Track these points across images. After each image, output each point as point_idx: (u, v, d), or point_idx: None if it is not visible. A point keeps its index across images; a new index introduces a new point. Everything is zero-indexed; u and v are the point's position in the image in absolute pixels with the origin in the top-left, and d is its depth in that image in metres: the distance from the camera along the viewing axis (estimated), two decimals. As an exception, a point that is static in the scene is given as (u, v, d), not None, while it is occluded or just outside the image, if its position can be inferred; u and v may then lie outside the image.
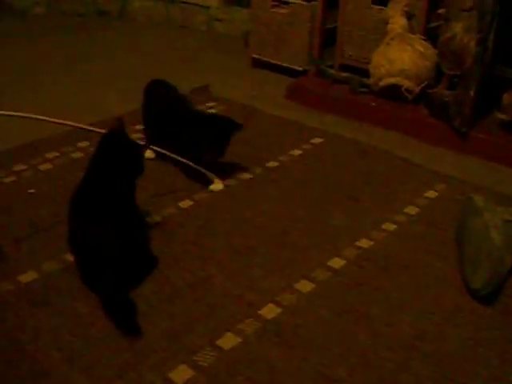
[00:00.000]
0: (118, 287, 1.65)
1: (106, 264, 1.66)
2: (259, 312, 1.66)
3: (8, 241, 1.93)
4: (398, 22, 2.91)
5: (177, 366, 1.48)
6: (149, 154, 2.36)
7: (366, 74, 3.01)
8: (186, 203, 2.18)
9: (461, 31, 2.65)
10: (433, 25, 3.00)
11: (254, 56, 3.57)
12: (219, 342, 1.55)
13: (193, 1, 4.34)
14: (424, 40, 2.89)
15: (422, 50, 2.84)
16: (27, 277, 1.77)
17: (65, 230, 1.94)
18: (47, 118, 1.99)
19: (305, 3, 3.27)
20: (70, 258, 1.83)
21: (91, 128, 2.14)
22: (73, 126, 2.09)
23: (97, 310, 1.64)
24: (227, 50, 3.89)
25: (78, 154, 2.49)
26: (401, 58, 2.83)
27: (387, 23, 2.95)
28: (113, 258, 1.67)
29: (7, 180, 2.30)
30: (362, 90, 3.01)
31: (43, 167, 2.39)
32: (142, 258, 1.78)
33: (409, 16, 2.94)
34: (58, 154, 2.49)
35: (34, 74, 3.42)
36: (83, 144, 2.56)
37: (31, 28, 4.33)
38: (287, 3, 3.34)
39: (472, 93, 2.56)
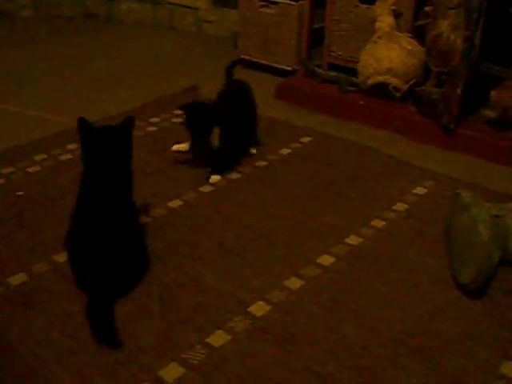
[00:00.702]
0: (107, 293, 1.64)
1: (100, 267, 1.66)
2: (249, 309, 1.66)
3: (-3, 244, 1.92)
4: (385, 21, 2.92)
5: (167, 365, 1.48)
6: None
7: (354, 73, 3.03)
8: (175, 203, 2.18)
9: (448, 29, 2.66)
10: (420, 23, 3.01)
11: (244, 57, 3.57)
12: (209, 340, 1.55)
13: (181, 2, 4.34)
14: (411, 38, 2.90)
15: (409, 47, 2.85)
16: (17, 279, 1.76)
17: (53, 231, 1.96)
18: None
19: (292, 3, 3.28)
20: (59, 259, 1.83)
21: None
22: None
23: (86, 310, 1.64)
24: (216, 51, 3.89)
25: (66, 156, 2.49)
26: (388, 56, 2.84)
27: (375, 22, 2.96)
28: (108, 261, 1.66)
29: (-4, 182, 2.29)
30: (351, 88, 3.02)
31: (32, 169, 2.39)
32: (137, 262, 1.78)
33: (396, 14, 2.95)
34: (46, 157, 2.48)
35: (20, 76, 3.41)
36: (72, 146, 2.54)
37: (18, 31, 4.32)
38: (275, 3, 3.35)
39: (459, 90, 2.58)
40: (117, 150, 1.76)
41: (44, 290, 1.73)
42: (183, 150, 2.43)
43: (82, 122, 1.74)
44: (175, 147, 2.45)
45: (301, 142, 2.67)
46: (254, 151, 2.55)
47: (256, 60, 3.52)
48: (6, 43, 4.01)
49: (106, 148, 1.74)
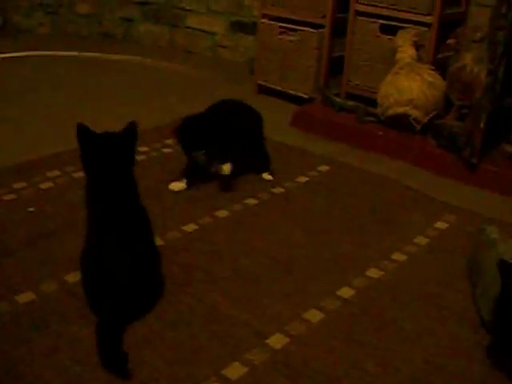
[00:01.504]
0: (118, 319, 1.57)
1: (113, 291, 1.59)
2: (267, 341, 1.59)
3: (6, 260, 1.86)
4: (406, 52, 2.89)
5: (181, 396, 1.41)
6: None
7: (372, 103, 2.99)
8: (190, 227, 2.12)
9: (471, 62, 2.64)
10: (441, 55, 2.98)
11: (260, 82, 3.55)
12: (225, 372, 1.48)
13: (199, 26, 4.34)
14: (433, 70, 2.87)
15: (430, 79, 2.81)
16: (25, 297, 1.70)
17: (64, 249, 1.90)
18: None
19: (312, 30, 3.26)
20: (70, 278, 1.76)
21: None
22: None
23: (97, 335, 1.57)
24: (232, 77, 3.87)
25: (79, 174, 2.42)
26: (410, 87, 2.80)
27: (396, 53, 2.93)
28: (121, 285, 1.60)
29: (7, 198, 2.23)
30: (369, 118, 2.98)
31: (44, 186, 2.33)
32: (152, 287, 1.71)
33: (418, 46, 2.93)
34: (59, 173, 2.43)
35: (33, 91, 3.39)
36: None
37: (34, 47, 4.31)
38: (294, 30, 3.33)
39: (482, 124, 2.53)
40: (121, 157, 1.69)
41: (53, 310, 1.66)
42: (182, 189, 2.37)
43: (82, 129, 1.65)
44: (174, 187, 2.37)
45: (318, 171, 2.62)
46: (268, 177, 2.49)
47: (272, 86, 3.49)
48: (23, 59, 4.00)
49: (110, 155, 1.66)
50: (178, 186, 2.36)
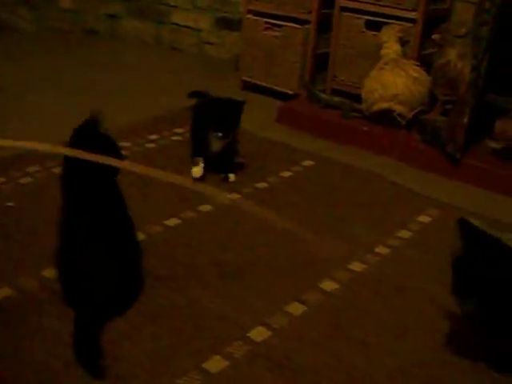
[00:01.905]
0: (94, 316, 1.54)
1: (89, 289, 1.57)
2: (248, 335, 1.57)
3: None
4: (391, 47, 2.89)
5: (160, 391, 1.39)
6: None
7: (357, 98, 2.98)
8: (172, 221, 2.10)
9: (455, 57, 2.64)
10: (426, 51, 2.98)
11: (244, 78, 3.53)
12: (206, 365, 1.46)
13: (184, 23, 4.32)
14: (417, 66, 2.87)
15: (415, 75, 2.81)
16: (1, 293, 1.66)
17: (43, 245, 1.87)
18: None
19: (297, 26, 3.25)
20: (48, 274, 1.73)
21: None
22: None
23: (76, 329, 1.55)
24: (217, 73, 3.85)
25: (59, 169, 2.40)
26: (394, 83, 2.80)
27: (381, 48, 2.93)
28: (98, 282, 1.57)
29: (-14, 192, 2.21)
30: (354, 114, 2.97)
31: (23, 181, 2.30)
32: (131, 282, 1.68)
33: (403, 42, 2.93)
34: (39, 169, 2.40)
35: (20, 89, 3.35)
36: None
37: (17, 44, 4.27)
38: (280, 26, 3.32)
39: (466, 119, 2.53)
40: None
41: (30, 306, 1.63)
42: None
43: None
44: (195, 173, 2.37)
45: (302, 166, 2.61)
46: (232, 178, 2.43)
47: (258, 82, 3.47)
48: (4, 56, 3.95)
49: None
50: (197, 171, 2.36)
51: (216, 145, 2.33)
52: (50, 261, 1.69)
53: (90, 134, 1.69)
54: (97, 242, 1.59)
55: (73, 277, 1.60)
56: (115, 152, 1.71)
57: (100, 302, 1.56)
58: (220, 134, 2.29)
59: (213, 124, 2.30)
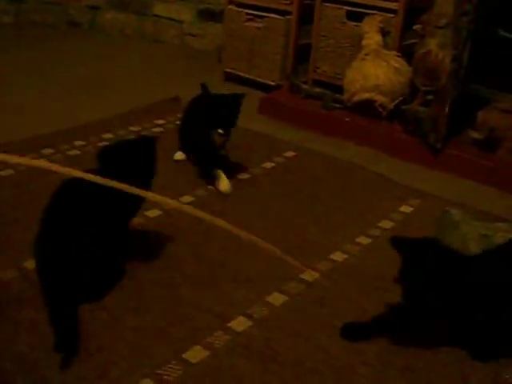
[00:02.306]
0: (68, 302, 1.55)
1: (62, 273, 1.57)
2: (229, 325, 1.58)
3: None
4: (373, 38, 2.89)
5: (140, 381, 1.38)
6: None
7: (339, 89, 2.98)
8: (153, 212, 2.09)
9: (436, 48, 2.64)
10: (407, 42, 2.99)
11: (227, 70, 3.52)
12: (186, 355, 1.46)
13: (166, 15, 4.29)
14: (399, 56, 2.87)
15: (396, 66, 2.82)
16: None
17: (24, 236, 1.85)
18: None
19: (279, 17, 3.24)
20: (29, 265, 1.72)
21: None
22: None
23: (55, 321, 1.54)
24: (199, 65, 3.84)
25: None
26: (375, 73, 2.81)
27: (362, 39, 2.93)
28: (78, 271, 1.58)
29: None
30: (335, 105, 2.97)
31: (4, 173, 2.28)
32: (110, 271, 1.68)
33: (384, 33, 2.93)
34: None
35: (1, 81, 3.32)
36: (47, 151, 2.46)
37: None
38: (261, 17, 3.31)
39: (446, 109, 2.54)
40: None
41: (11, 297, 1.62)
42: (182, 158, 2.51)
43: None
44: (177, 156, 2.50)
45: (285, 157, 2.61)
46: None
47: (240, 74, 3.46)
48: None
49: None
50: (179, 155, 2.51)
51: (217, 141, 2.27)
52: (31, 252, 1.67)
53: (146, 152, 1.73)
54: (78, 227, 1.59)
55: (44, 263, 1.60)
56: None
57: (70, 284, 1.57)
58: (221, 131, 2.23)
59: (214, 120, 2.23)
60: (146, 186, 1.68)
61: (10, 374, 1.38)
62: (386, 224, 2.13)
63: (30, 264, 1.72)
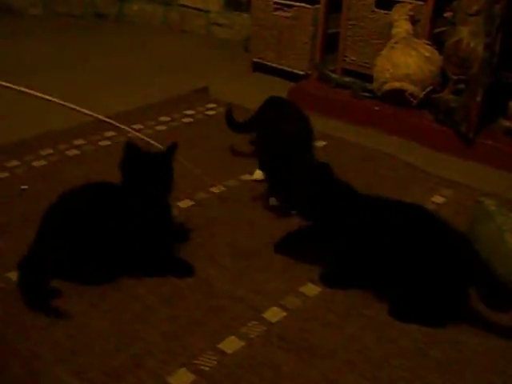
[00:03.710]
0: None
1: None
2: (263, 315, 1.58)
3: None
4: (402, 26, 2.85)
5: (176, 370, 1.39)
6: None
7: (368, 79, 2.96)
8: (185, 203, 2.10)
9: (468, 35, 2.60)
10: (437, 30, 2.95)
11: (255, 60, 3.51)
12: (221, 346, 1.47)
13: (193, 5, 4.29)
14: (429, 45, 2.83)
15: (427, 54, 2.78)
16: (16, 274, 1.68)
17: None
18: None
19: (307, 6, 3.22)
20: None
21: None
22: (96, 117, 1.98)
23: (91, 310, 1.56)
24: (227, 55, 3.83)
25: (72, 152, 2.41)
26: (406, 62, 2.77)
27: (391, 27, 2.89)
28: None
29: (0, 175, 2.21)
30: (365, 94, 2.95)
31: (37, 164, 2.31)
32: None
33: (414, 21, 2.89)
34: (52, 152, 2.41)
35: (32, 73, 3.34)
36: (79, 142, 2.48)
37: (26, 28, 4.26)
38: (290, 6, 3.29)
39: (479, 98, 2.51)
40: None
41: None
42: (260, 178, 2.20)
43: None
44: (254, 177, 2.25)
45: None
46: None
47: (268, 63, 3.45)
48: (16, 39, 3.95)
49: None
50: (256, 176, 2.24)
51: None
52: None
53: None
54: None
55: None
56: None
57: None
58: None
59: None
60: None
61: (48, 361, 1.40)
62: (419, 214, 2.10)
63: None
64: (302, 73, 3.30)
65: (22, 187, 2.13)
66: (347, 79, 3.06)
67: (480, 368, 1.45)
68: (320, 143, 2.62)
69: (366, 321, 1.58)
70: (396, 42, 2.84)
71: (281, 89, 3.15)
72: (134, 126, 2.60)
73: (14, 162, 2.30)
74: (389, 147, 2.62)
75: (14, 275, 1.66)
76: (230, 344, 1.47)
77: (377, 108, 2.85)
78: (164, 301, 1.61)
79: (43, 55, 3.69)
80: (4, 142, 2.44)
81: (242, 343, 1.48)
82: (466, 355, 1.49)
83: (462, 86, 2.69)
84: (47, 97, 1.76)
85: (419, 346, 1.51)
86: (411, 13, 2.88)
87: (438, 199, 2.22)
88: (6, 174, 2.22)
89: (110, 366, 1.39)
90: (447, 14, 2.75)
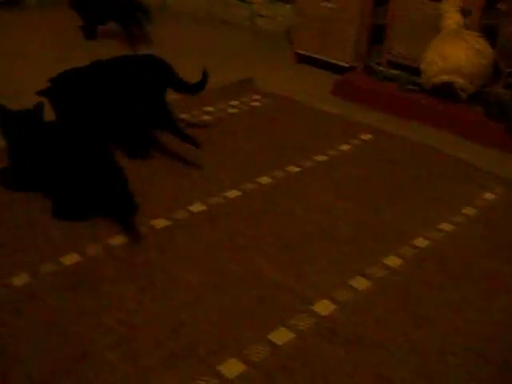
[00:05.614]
0: None
1: None
2: (312, 307, 1.56)
3: (54, 224, 1.86)
4: (452, 18, 2.79)
5: (227, 360, 1.39)
6: None
7: (415, 72, 2.90)
8: (232, 193, 2.09)
9: (522, 28, 2.53)
10: (489, 21, 2.87)
11: (299, 51, 3.48)
12: (271, 337, 1.46)
13: (236, -5, 4.27)
14: (481, 37, 2.76)
15: (478, 47, 2.71)
16: (70, 259, 1.69)
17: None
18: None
19: (354, -3, 3.17)
20: (114, 241, 1.76)
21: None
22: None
23: (141, 296, 1.57)
24: (271, 46, 3.80)
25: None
26: (456, 54, 2.71)
27: (441, 19, 2.83)
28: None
29: None
30: (411, 87, 2.90)
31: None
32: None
33: (465, 13, 2.82)
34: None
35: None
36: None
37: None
38: (336, -3, 3.24)
39: (533, 92, 2.44)
40: None
41: (97, 271, 1.66)
42: None
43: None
44: None
45: (361, 139, 2.56)
46: None
47: (312, 55, 3.42)
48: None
49: None
50: None
51: None
52: (114, 229, 1.70)
53: None
54: None
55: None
56: None
57: None
58: None
59: None
60: None
61: (101, 346, 1.41)
62: (470, 211, 2.06)
63: (116, 240, 1.76)
64: (346, 65, 3.26)
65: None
66: (394, 72, 3.02)
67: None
68: (366, 136, 2.59)
69: (417, 316, 1.56)
70: (446, 34, 2.78)
71: (325, 81, 3.13)
72: (181, 116, 2.60)
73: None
74: (437, 142, 2.57)
75: (65, 260, 1.68)
76: (280, 335, 1.46)
77: (424, 101, 2.80)
78: (211, 290, 1.61)
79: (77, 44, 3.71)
80: None
81: (293, 335, 1.47)
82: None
83: (515, 79, 2.62)
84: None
85: (472, 345, 1.47)
86: (462, 4, 2.82)
87: (489, 196, 2.17)
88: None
89: (160, 354, 1.39)
90: (500, 5, 2.68)
